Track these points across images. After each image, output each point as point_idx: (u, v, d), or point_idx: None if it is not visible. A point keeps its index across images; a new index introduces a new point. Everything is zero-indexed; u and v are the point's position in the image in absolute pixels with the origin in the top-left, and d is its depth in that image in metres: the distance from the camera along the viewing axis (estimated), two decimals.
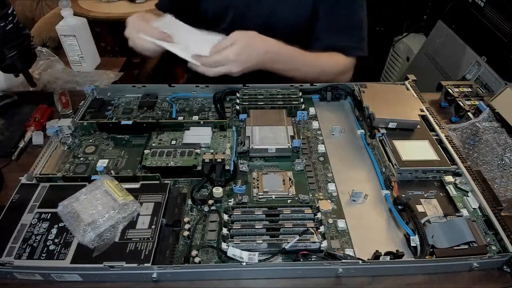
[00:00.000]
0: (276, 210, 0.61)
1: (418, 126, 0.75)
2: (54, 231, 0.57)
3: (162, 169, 0.68)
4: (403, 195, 0.64)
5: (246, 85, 0.88)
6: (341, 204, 0.66)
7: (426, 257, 0.55)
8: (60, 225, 0.58)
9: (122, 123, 0.77)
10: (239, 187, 0.67)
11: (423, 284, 0.56)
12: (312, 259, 0.56)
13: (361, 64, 0.96)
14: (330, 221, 0.63)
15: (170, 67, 1.92)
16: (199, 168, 0.68)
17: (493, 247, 0.58)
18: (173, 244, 0.58)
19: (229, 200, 0.65)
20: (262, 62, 0.79)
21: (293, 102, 0.84)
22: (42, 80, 1.00)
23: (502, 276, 0.57)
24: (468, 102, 0.86)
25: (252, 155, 0.74)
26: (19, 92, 0.93)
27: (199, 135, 0.76)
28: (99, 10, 1.82)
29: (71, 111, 0.87)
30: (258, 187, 0.67)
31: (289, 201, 0.66)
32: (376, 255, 0.56)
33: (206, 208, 0.64)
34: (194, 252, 0.56)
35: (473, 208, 0.64)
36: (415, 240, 0.58)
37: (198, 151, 0.71)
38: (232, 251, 0.54)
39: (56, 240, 0.56)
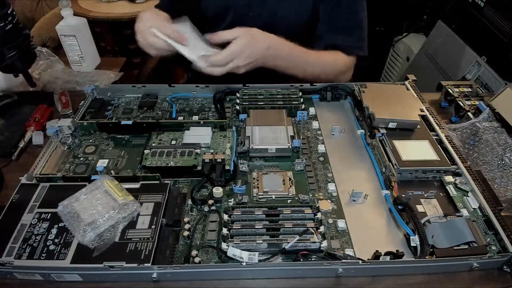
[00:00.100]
0: (276, 210, 0.61)
1: (418, 126, 0.75)
2: (54, 231, 0.57)
3: (162, 169, 0.68)
4: (403, 195, 0.64)
5: (246, 85, 0.88)
6: (341, 204, 0.66)
7: (426, 257, 0.55)
8: (60, 225, 0.58)
9: (122, 123, 0.77)
10: (239, 187, 0.67)
11: (423, 284, 0.56)
12: (312, 259, 0.56)
13: (362, 64, 0.96)
14: (330, 221, 0.63)
15: (170, 67, 1.91)
16: (199, 168, 0.68)
17: (493, 247, 0.58)
18: (173, 244, 0.58)
19: (229, 200, 0.65)
20: (264, 58, 0.79)
21: (293, 102, 0.84)
22: (42, 80, 1.00)
23: (502, 276, 0.57)
24: (468, 102, 0.86)
25: (252, 155, 0.74)
26: (19, 92, 0.93)
27: (199, 135, 0.75)
28: (99, 10, 1.82)
29: (71, 111, 0.87)
30: (258, 187, 0.67)
31: (289, 201, 0.66)
32: (376, 255, 0.56)
33: (206, 208, 0.64)
34: (194, 252, 0.56)
35: (473, 208, 0.64)
36: (415, 240, 0.58)
37: (198, 151, 0.71)
38: (232, 251, 0.54)
39: (56, 240, 0.56)
